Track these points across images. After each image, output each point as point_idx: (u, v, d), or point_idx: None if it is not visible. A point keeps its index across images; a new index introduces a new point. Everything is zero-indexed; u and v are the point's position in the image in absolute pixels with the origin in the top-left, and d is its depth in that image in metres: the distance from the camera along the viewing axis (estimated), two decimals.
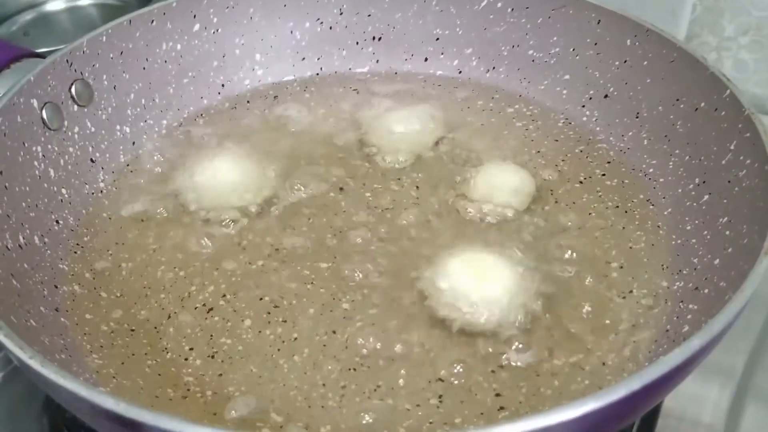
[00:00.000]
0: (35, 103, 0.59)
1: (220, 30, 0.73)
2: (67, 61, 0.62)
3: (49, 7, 1.07)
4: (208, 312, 0.54)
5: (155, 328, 0.53)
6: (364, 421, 0.47)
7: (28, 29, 1.05)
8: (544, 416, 0.35)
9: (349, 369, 0.50)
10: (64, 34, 1.05)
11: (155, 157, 0.68)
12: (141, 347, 0.52)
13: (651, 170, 0.64)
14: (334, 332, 0.52)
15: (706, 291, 0.51)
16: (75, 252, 0.59)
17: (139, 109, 0.69)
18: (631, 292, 0.55)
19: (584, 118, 0.70)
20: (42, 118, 0.60)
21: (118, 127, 0.67)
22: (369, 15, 0.77)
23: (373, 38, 0.77)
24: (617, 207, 0.61)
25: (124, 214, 0.62)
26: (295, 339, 0.52)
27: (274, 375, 0.50)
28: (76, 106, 0.63)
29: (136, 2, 1.04)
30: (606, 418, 0.38)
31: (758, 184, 0.51)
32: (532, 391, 0.49)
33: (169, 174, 0.66)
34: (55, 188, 0.61)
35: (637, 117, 0.66)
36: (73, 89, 0.63)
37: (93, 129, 0.65)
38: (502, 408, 0.48)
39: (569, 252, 0.57)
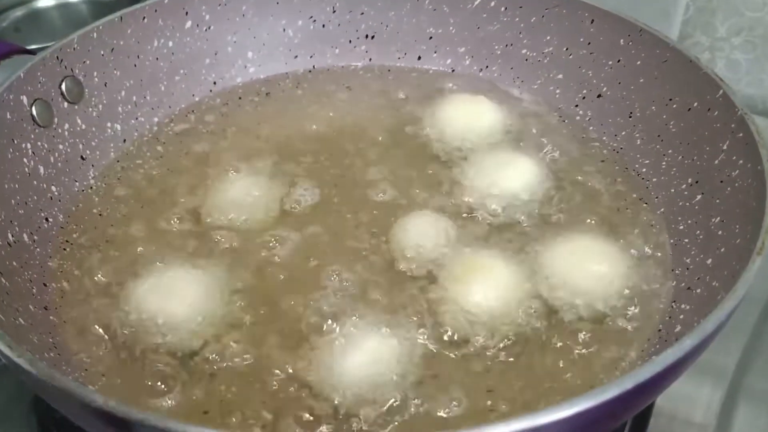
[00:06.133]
0: (25, 99, 0.59)
1: (212, 27, 0.73)
2: (57, 57, 0.62)
3: (40, 3, 1.07)
4: None
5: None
6: None
7: (18, 25, 1.04)
8: (537, 415, 0.35)
9: None
10: (54, 31, 1.05)
11: (146, 155, 0.67)
12: (130, 345, 0.52)
13: (644, 170, 0.64)
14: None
15: (699, 291, 0.52)
16: (64, 249, 0.59)
17: (129, 107, 0.69)
18: (624, 291, 0.55)
19: (577, 118, 0.70)
20: (32, 115, 0.59)
21: (108, 125, 0.67)
22: (362, 13, 0.76)
23: (366, 36, 0.77)
24: (610, 206, 0.61)
25: (113, 212, 0.62)
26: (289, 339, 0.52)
27: (262, 375, 0.50)
28: (66, 103, 0.63)
29: None
30: (599, 417, 0.38)
31: (751, 184, 0.51)
32: (525, 390, 0.49)
33: (159, 171, 0.66)
34: (45, 185, 0.60)
35: (630, 116, 0.66)
36: (63, 86, 0.62)
37: (83, 126, 0.64)
38: (493, 409, 0.48)
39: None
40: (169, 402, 0.48)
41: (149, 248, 0.58)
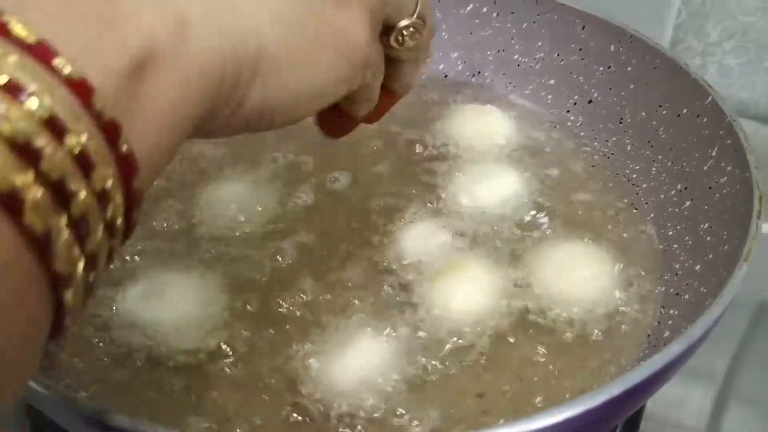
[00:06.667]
0: None
1: None
2: None
3: None
4: None
5: None
6: None
7: None
8: (525, 421, 0.36)
9: None
10: None
11: None
12: (123, 352, 0.52)
13: (634, 175, 0.64)
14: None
15: (687, 296, 0.52)
16: None
17: None
18: (613, 296, 0.55)
19: (569, 123, 0.70)
20: None
21: None
22: None
23: None
24: (600, 211, 0.62)
25: None
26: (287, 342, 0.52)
27: (255, 382, 0.50)
28: None
29: None
30: (587, 423, 0.38)
31: (739, 191, 0.51)
32: (515, 396, 0.49)
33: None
34: None
35: (620, 122, 0.67)
36: None
37: None
38: (484, 411, 0.48)
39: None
40: (162, 409, 0.48)
41: (143, 252, 0.58)
